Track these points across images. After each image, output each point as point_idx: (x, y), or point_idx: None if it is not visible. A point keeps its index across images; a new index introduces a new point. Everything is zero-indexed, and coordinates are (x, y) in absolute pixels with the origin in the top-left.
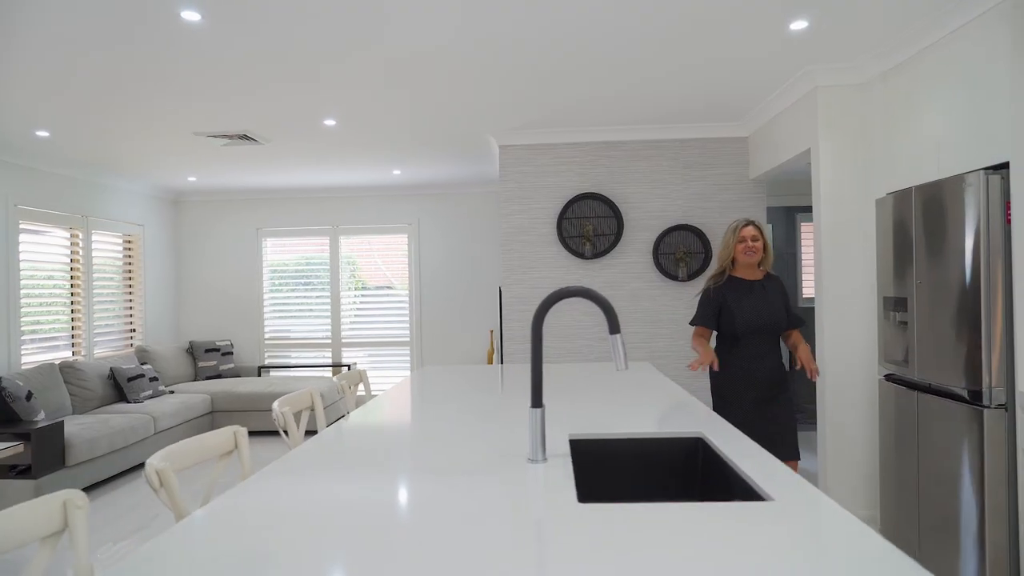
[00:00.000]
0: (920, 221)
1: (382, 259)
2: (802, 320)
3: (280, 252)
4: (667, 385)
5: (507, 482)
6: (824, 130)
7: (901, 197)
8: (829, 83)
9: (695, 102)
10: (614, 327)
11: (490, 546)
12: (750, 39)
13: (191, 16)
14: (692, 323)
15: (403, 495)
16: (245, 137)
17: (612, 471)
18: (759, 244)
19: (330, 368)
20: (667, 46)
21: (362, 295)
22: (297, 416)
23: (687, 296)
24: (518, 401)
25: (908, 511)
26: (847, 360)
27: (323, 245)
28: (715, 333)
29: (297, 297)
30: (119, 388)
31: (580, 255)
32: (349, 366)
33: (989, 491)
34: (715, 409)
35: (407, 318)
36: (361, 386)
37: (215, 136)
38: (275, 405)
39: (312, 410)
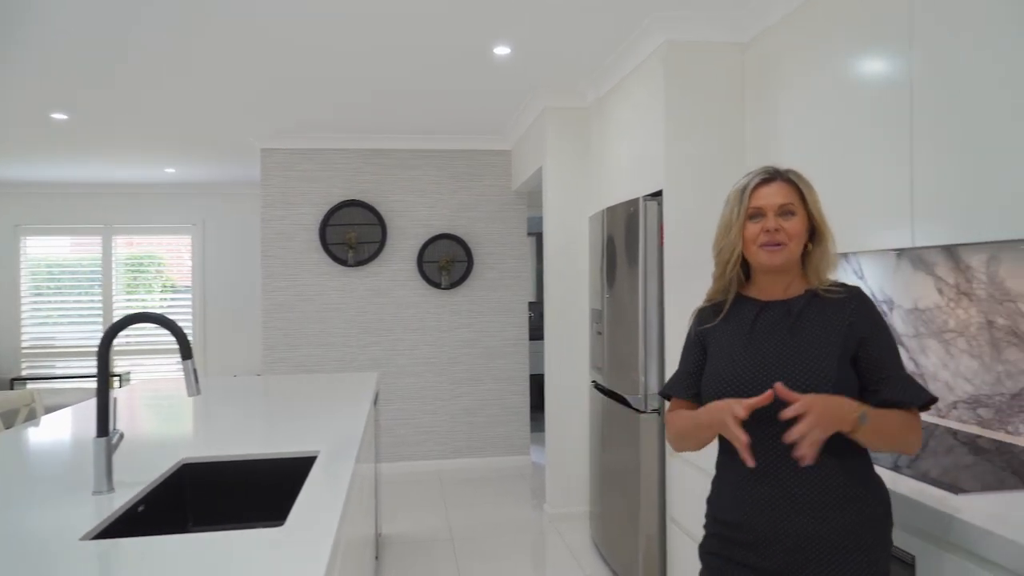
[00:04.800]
0: (611, 239)
1: (191, 257)
2: (915, 394)
3: (44, 252)
4: (355, 401)
5: (35, 516)
6: (551, 149)
7: (601, 216)
8: (556, 105)
9: (457, 115)
10: (186, 353)
11: None
12: (464, 62)
13: None
14: (662, 392)
15: None
16: None
17: (227, 494)
18: (795, 226)
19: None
20: (388, 65)
21: (172, 297)
22: None
23: (450, 304)
24: (181, 423)
25: (606, 507)
26: (569, 367)
27: (95, 245)
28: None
29: (63, 302)
30: None
31: (343, 262)
32: (120, 376)
33: (644, 489)
34: None
35: (191, 324)
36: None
37: None
38: None
39: None
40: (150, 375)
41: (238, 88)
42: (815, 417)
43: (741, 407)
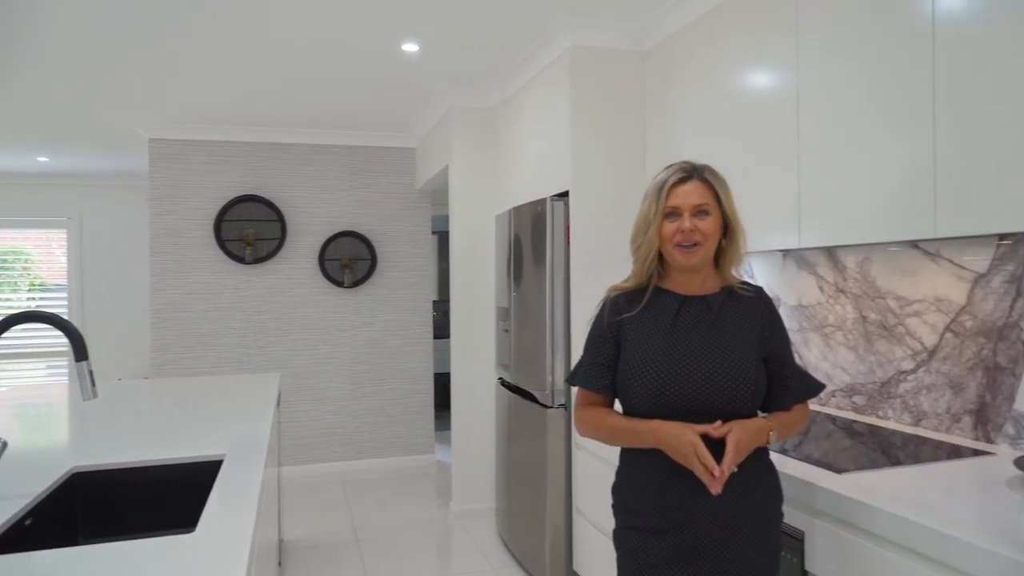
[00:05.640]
0: (518, 239)
1: (63, 253)
2: (812, 387)
3: None
4: (259, 403)
5: None
6: (457, 148)
7: (508, 216)
8: (463, 104)
9: (362, 111)
10: (80, 355)
11: None
12: (371, 57)
13: None
14: (570, 381)
15: None
16: None
17: (125, 503)
18: (710, 225)
19: None
20: (294, 57)
21: (41, 296)
22: None
23: (353, 303)
24: (66, 430)
25: (512, 501)
26: (475, 364)
27: None
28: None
29: None
30: None
31: (240, 260)
32: None
33: (551, 482)
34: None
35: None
36: None
37: None
38: None
39: None
40: (16, 382)
41: (122, 67)
42: (738, 456)
43: (696, 435)
